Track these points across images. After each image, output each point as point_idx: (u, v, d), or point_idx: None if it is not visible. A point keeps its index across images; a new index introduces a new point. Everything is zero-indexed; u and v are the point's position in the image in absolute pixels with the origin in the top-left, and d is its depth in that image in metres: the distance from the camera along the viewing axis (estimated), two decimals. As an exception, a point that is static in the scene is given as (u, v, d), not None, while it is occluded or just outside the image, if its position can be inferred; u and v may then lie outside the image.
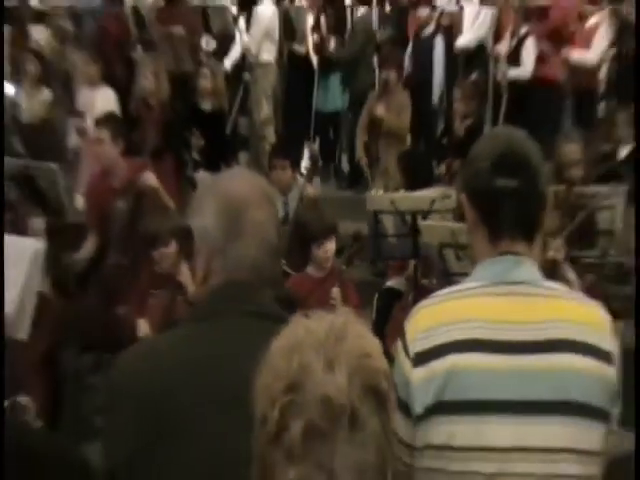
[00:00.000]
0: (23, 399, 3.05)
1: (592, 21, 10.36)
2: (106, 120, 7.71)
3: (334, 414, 1.50)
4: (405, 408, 2.36)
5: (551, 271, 5.30)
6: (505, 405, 2.32)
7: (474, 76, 10.88)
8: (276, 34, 11.36)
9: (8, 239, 4.12)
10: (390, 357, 2.47)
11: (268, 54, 11.39)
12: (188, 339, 2.33)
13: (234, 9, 11.95)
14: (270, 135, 11.11)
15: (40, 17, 11.88)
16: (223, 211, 2.33)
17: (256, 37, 11.28)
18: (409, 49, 11.45)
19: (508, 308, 2.41)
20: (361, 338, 1.60)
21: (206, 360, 2.20)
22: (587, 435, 2.35)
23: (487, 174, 2.46)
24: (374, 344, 1.62)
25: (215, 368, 2.16)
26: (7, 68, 11.35)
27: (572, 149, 7.00)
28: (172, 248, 6.17)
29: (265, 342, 1.62)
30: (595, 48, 10.28)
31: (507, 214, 2.46)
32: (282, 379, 1.53)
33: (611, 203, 6.32)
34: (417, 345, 2.38)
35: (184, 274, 6.00)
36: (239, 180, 2.45)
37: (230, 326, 2.24)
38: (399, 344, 2.44)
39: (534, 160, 2.50)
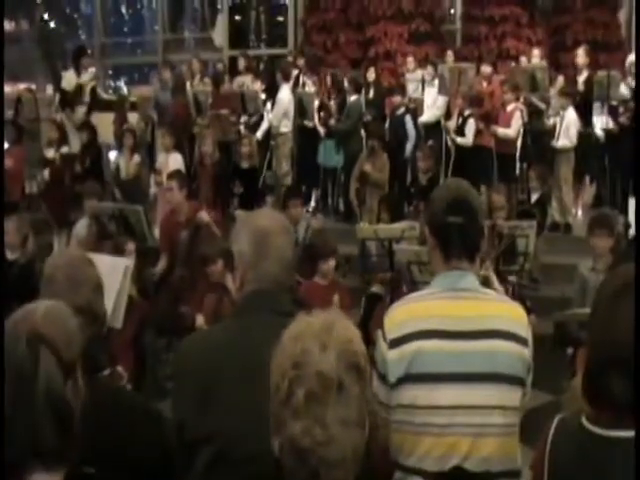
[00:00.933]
0: (119, 369, 3.05)
1: (511, 107, 10.41)
2: (175, 175, 7.74)
3: (326, 384, 1.53)
4: (383, 378, 2.37)
5: (484, 283, 5.28)
6: (453, 376, 2.32)
7: (431, 143, 10.89)
8: (291, 113, 11.36)
9: (108, 258, 4.14)
10: (373, 342, 2.49)
11: (285, 127, 11.33)
12: (229, 330, 2.34)
13: (263, 95, 11.95)
14: (288, 184, 11.11)
15: (134, 106, 11.96)
16: (253, 239, 2.31)
17: (277, 116, 11.26)
18: (387, 124, 11.45)
19: (456, 307, 2.41)
20: (345, 329, 1.62)
21: (241, 346, 2.21)
22: (510, 396, 2.35)
23: (442, 214, 2.46)
24: (355, 333, 1.63)
25: (247, 352, 2.15)
26: (112, 141, 11.49)
27: (498, 198, 7.03)
28: (219, 265, 6.17)
29: (282, 332, 1.65)
30: (513, 126, 10.35)
31: (455, 242, 2.45)
32: (289, 359, 1.55)
33: (526, 233, 6.32)
34: (392, 333, 2.38)
35: (229, 282, 5.99)
36: (264, 217, 2.44)
37: (259, 321, 2.23)
38: (380, 333, 2.43)
39: (475, 204, 2.50)
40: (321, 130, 11.40)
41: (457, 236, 2.44)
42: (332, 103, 11.45)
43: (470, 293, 2.45)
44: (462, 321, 2.37)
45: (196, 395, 2.19)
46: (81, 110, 11.21)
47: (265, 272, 2.30)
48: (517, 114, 10.33)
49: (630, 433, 1.73)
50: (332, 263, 6.04)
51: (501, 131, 10.31)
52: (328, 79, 11.79)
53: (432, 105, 11.28)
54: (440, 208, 2.47)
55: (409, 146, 11.20)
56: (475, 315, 2.39)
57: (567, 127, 9.75)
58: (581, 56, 10.55)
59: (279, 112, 11.22)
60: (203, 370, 2.22)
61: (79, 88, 11.25)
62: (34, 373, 1.64)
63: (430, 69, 11.59)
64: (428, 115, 11.31)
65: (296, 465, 1.55)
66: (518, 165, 10.75)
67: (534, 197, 9.09)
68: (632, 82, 9.71)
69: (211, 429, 2.14)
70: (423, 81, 11.75)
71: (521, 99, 10.52)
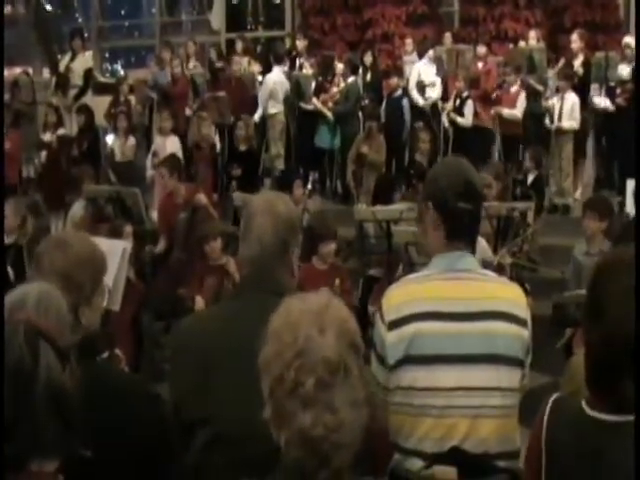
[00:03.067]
0: (117, 351, 3.04)
1: (515, 88, 10.38)
2: (165, 161, 7.80)
3: (333, 369, 1.52)
4: (382, 360, 2.36)
5: (499, 269, 5.27)
6: (452, 358, 2.32)
7: (430, 124, 10.84)
8: (280, 95, 11.19)
9: (107, 241, 4.12)
10: (371, 324, 2.49)
11: (273, 109, 11.21)
12: (228, 310, 2.38)
13: (260, 78, 11.89)
14: (280, 166, 11.10)
15: (131, 89, 11.85)
16: (242, 220, 2.36)
17: (263, 97, 11.20)
18: (384, 105, 11.40)
19: (454, 288, 2.40)
20: (339, 310, 1.61)
21: (240, 326, 2.18)
22: (509, 377, 2.35)
23: (454, 199, 2.41)
24: (348, 313, 1.63)
25: (246, 333, 2.13)
26: (106, 124, 11.38)
27: (485, 176, 7.02)
28: (218, 242, 6.20)
29: (270, 311, 1.63)
30: (519, 107, 10.30)
31: (462, 226, 2.45)
32: (292, 348, 1.53)
33: (524, 214, 6.32)
34: (391, 315, 2.37)
35: (232, 266, 6.00)
36: (257, 197, 2.48)
37: (258, 300, 2.19)
38: (377, 314, 2.43)
39: (480, 189, 2.53)
40: (328, 113, 11.31)
41: (465, 221, 2.45)
42: (342, 86, 11.33)
43: (469, 274, 2.44)
44: (461, 302, 2.37)
45: (195, 375, 2.20)
46: (72, 93, 11.11)
47: (246, 253, 2.33)
48: (522, 95, 10.29)
49: (631, 418, 1.72)
50: (333, 246, 6.00)
51: (507, 112, 10.28)
52: (337, 63, 11.66)
53: (438, 87, 11.18)
54: (451, 193, 2.43)
55: (406, 128, 11.16)
56: (474, 296, 2.39)
57: (571, 108, 9.73)
58: (575, 41, 10.53)
59: (264, 94, 11.18)
60: (202, 350, 2.22)
61: (68, 71, 11.13)
62: (34, 368, 1.64)
63: (430, 52, 11.52)
64: (435, 95, 11.17)
65: (306, 455, 1.53)
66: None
67: (530, 178, 9.08)
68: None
69: (210, 410, 2.14)
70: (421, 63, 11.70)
71: (519, 81, 10.48)
